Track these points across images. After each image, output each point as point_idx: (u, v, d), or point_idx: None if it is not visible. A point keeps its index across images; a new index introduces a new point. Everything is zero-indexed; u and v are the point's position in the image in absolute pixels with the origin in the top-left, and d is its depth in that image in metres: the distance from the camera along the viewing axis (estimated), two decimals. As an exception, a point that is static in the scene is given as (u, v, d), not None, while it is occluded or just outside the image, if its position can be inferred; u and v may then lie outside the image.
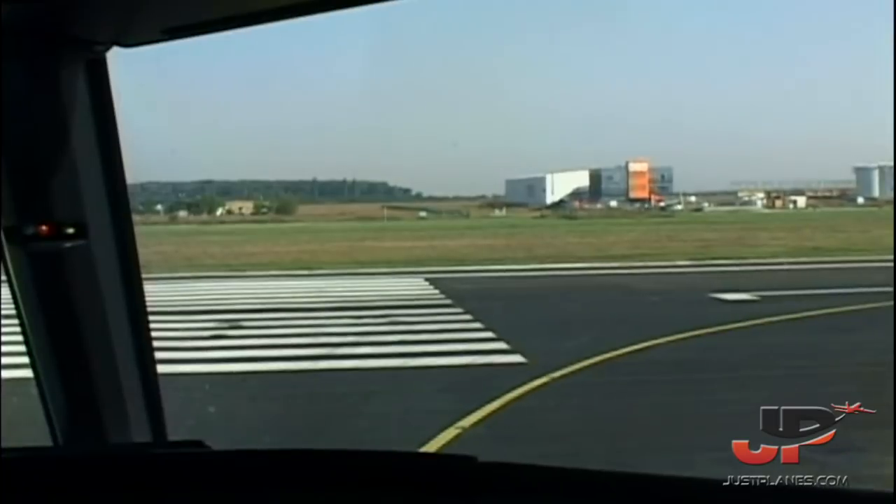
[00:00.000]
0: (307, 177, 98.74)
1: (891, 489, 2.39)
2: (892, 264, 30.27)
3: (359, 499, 2.73)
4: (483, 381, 16.31)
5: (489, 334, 20.71)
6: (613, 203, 79.71)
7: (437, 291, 29.02)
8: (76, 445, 3.31)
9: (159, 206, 79.73)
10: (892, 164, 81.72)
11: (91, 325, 3.26)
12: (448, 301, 26.61)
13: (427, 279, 32.36)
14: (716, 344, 19.02)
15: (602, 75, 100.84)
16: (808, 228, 53.17)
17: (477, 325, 22.14)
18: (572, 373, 16.62)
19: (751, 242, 45.16)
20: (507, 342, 19.54)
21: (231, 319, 23.06)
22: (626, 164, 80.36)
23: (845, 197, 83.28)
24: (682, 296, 26.71)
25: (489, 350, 18.95)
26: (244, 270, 36.60)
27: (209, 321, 22.55)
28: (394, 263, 38.66)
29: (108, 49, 3.13)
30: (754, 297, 25.93)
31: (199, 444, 3.06)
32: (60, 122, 3.06)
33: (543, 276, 33.90)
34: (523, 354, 18.27)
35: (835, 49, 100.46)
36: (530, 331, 21.14)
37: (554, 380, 16.13)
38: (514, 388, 15.41)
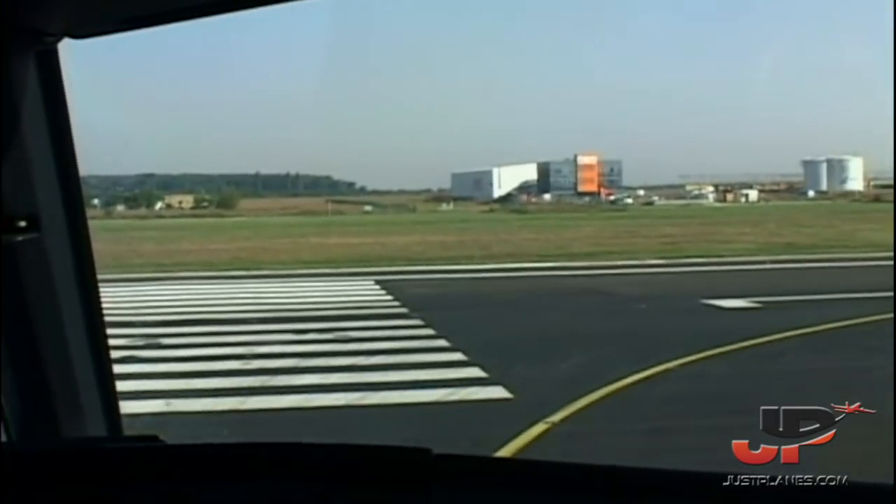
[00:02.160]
0: (250, 170, 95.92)
1: (891, 481, 2.21)
2: (880, 263, 27.22)
3: (313, 491, 2.58)
4: (462, 429, 12.25)
5: (458, 356, 16.60)
6: (547, 196, 76.02)
7: (389, 297, 24.83)
8: (30, 440, 3.12)
9: (96, 201, 75.08)
10: (839, 157, 79.50)
11: (45, 318, 3.09)
12: (404, 310, 22.46)
13: (377, 281, 28.16)
14: (741, 370, 15.05)
15: (547, 67, 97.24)
16: (771, 223, 49.73)
17: (442, 342, 18.01)
18: (575, 415, 12.59)
19: (718, 238, 41.46)
20: (483, 367, 15.48)
21: (148, 335, 18.71)
22: (575, 157, 76.76)
23: (793, 190, 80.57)
24: (670, 302, 22.78)
25: (462, 379, 14.83)
26: (175, 271, 32.13)
27: (121, 337, 17.99)
28: (339, 263, 34.40)
29: (59, 40, 2.97)
30: (753, 305, 22.07)
31: (154, 438, 2.88)
32: (11, 113, 2.89)
33: (506, 277, 29.80)
34: (506, 386, 14.22)
35: (781, 42, 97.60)
36: (507, 351, 17.06)
37: (555, 426, 12.10)
38: (505, 441, 11.33)
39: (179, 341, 18.32)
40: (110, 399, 3.27)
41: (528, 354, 16.63)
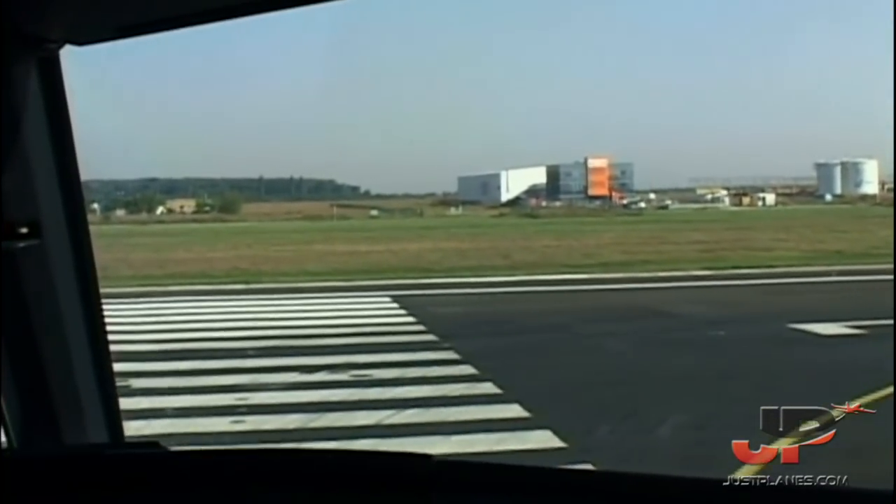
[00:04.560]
0: (254, 174, 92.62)
1: (890, 487, 2.11)
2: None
3: (315, 497, 2.51)
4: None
5: (516, 410, 12.10)
6: (557, 200, 71.46)
7: (411, 319, 20.26)
8: (32, 447, 2.97)
9: (95, 206, 70.74)
10: (853, 160, 75.22)
11: (46, 324, 2.94)
12: (431, 337, 17.92)
13: (394, 297, 23.61)
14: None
15: (553, 70, 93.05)
16: (801, 228, 45.09)
17: (489, 387, 13.48)
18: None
19: (755, 245, 36.86)
20: (556, 431, 10.96)
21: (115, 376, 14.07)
22: (586, 160, 72.28)
23: (806, 193, 76.21)
24: (751, 327, 18.16)
25: (533, 451, 10.28)
26: (165, 284, 27.59)
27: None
28: (349, 273, 29.82)
29: (60, 47, 2.87)
30: (854, 331, 17.46)
31: (155, 444, 2.81)
32: (12, 120, 2.79)
33: (540, 292, 25.15)
34: (599, 467, 9.63)
35: (791, 44, 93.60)
36: (580, 403, 12.58)
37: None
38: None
39: (150, 385, 13.76)
40: (112, 406, 3.08)
41: (610, 409, 12.10)
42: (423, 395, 13.07)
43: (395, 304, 22.46)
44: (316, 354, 16.03)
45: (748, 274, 27.67)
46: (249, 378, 14.34)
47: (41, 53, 2.82)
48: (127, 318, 19.59)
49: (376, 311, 21.53)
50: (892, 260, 29.75)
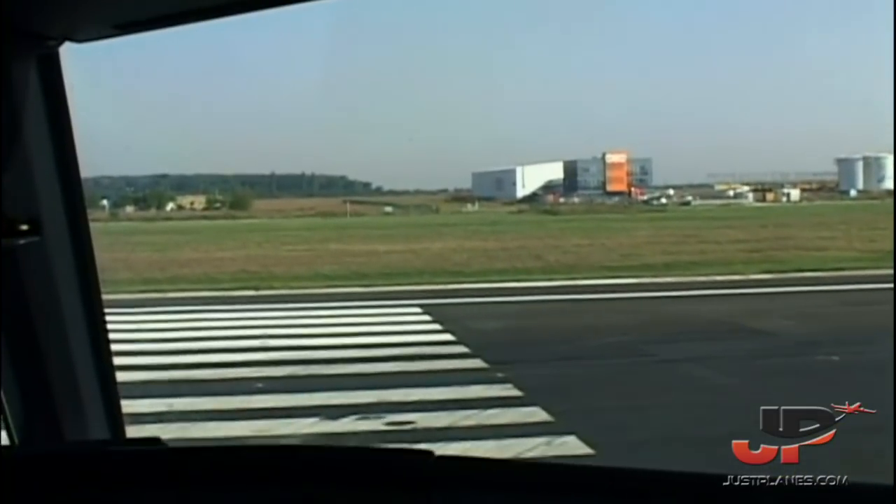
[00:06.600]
0: (265, 171, 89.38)
1: (890, 482, 2.05)
2: None
3: (314, 494, 2.39)
4: None
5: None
6: (574, 196, 67.78)
7: (448, 336, 16.63)
8: (33, 444, 2.89)
9: (105, 202, 67.36)
10: (875, 155, 71.55)
11: (46, 322, 2.85)
12: (478, 362, 14.34)
13: (424, 308, 19.95)
14: None
15: (567, 65, 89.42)
16: (841, 224, 41.25)
17: (572, 443, 9.94)
18: None
19: (803, 245, 33.13)
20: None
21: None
22: (603, 155, 68.48)
23: (827, 189, 72.46)
24: (864, 349, 14.44)
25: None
26: (165, 290, 23.99)
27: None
28: (369, 277, 26.22)
29: (60, 44, 2.75)
30: None
31: (156, 441, 2.72)
32: (12, 117, 2.68)
33: (588, 300, 21.39)
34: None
35: (810, 39, 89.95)
36: (702, 466, 8.89)
37: None
38: None
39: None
40: (113, 402, 3.00)
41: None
42: (484, 450, 9.49)
43: (426, 317, 18.81)
44: (339, 388, 12.47)
45: (816, 278, 23.88)
46: (256, 427, 10.79)
47: (40, 51, 2.72)
48: (112, 336, 15.93)
49: (406, 325, 17.88)
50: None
